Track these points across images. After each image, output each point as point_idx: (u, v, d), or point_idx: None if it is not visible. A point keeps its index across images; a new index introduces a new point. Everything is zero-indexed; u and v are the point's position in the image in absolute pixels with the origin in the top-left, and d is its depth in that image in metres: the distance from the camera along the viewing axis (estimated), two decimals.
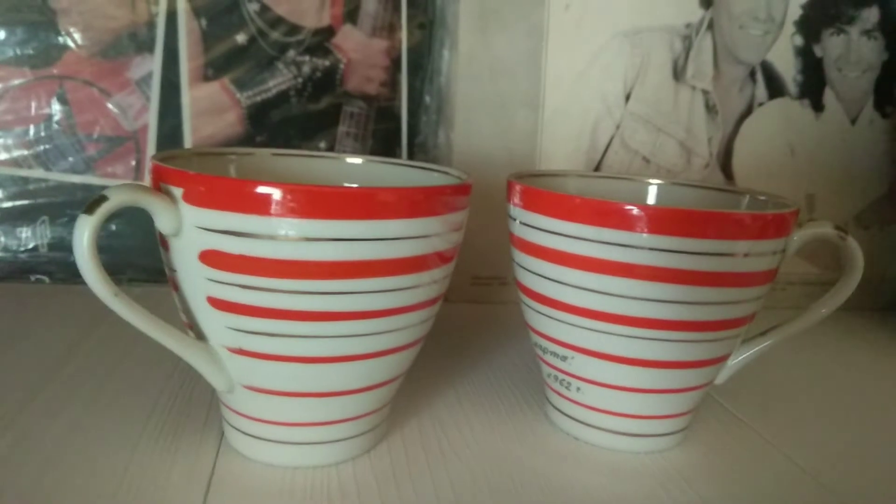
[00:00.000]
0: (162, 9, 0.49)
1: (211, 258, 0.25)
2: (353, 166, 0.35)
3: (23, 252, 0.50)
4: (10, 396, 0.33)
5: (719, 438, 0.35)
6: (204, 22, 0.49)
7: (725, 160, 0.55)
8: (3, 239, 0.49)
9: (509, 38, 0.51)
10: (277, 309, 0.25)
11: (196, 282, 0.26)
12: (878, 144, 0.57)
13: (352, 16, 0.51)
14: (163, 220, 0.25)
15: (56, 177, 0.49)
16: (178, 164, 0.26)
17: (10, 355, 0.38)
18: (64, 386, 0.35)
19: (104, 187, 0.51)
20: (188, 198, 0.24)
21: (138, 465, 0.28)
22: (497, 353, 0.44)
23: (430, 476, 0.29)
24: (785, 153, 0.56)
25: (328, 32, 0.51)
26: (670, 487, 0.30)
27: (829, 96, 0.56)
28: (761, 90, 0.55)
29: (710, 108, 0.54)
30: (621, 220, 0.29)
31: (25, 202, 0.49)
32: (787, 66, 0.55)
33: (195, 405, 0.34)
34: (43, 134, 0.49)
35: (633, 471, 0.31)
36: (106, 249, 0.50)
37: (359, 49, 0.52)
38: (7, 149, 0.49)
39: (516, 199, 0.33)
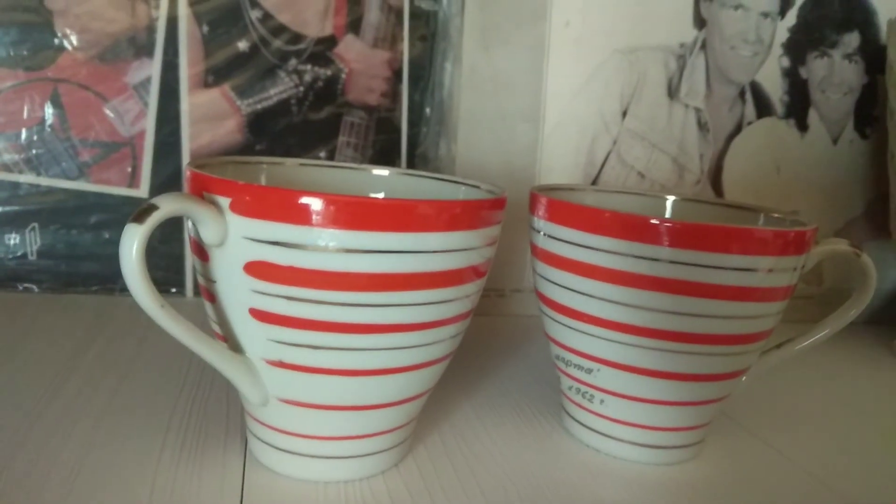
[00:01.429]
0: (163, 13, 0.48)
1: (257, 269, 0.24)
2: (380, 178, 0.34)
3: (11, 259, 0.48)
4: (16, 414, 0.32)
5: (730, 449, 0.35)
6: (205, 28, 0.49)
7: (716, 176, 0.57)
8: None
9: (511, 53, 0.52)
10: (320, 321, 0.25)
11: (238, 293, 0.25)
12: (858, 164, 0.60)
13: (354, 26, 0.51)
14: (208, 230, 0.24)
15: (48, 182, 0.48)
16: (213, 172, 0.26)
17: (6, 369, 0.36)
18: (70, 403, 0.33)
19: (97, 194, 0.50)
20: (236, 207, 0.24)
21: (164, 484, 0.28)
22: (504, 364, 0.44)
23: (462, 488, 0.29)
24: (771, 170, 0.58)
25: (330, 42, 0.51)
26: (697, 500, 0.30)
27: (813, 117, 0.58)
28: (750, 109, 0.57)
29: (702, 126, 0.56)
30: (651, 235, 0.29)
31: (15, 208, 0.48)
32: (775, 87, 0.57)
33: (211, 419, 0.33)
34: (35, 138, 0.47)
35: (659, 484, 0.31)
36: (96, 258, 0.49)
37: (360, 59, 0.52)
38: None
39: (542, 212, 0.33)
